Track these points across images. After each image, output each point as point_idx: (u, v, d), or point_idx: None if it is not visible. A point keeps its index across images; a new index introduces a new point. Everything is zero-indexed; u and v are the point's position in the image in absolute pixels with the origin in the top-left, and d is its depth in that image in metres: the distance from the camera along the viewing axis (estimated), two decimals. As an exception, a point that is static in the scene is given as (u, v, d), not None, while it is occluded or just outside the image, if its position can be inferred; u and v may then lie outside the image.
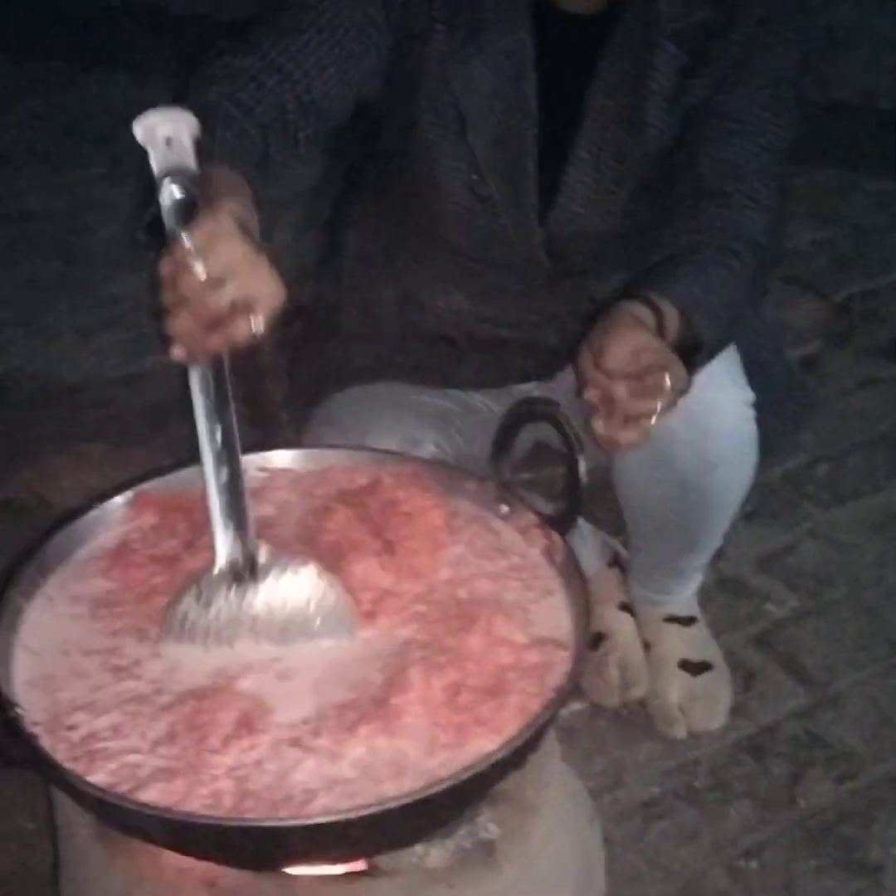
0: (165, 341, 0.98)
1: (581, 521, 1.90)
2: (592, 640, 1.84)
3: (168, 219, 0.99)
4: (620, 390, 1.10)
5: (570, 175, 1.40)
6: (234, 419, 1.04)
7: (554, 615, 1.12)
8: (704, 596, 1.90)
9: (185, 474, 1.23)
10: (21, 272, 2.97)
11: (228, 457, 1.04)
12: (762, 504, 2.18)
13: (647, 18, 1.34)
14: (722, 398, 1.44)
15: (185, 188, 0.99)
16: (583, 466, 1.15)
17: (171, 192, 0.99)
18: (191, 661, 1.06)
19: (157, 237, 1.01)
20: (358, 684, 1.04)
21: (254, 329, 0.96)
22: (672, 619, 1.82)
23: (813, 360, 2.60)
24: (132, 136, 3.22)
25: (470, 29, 1.34)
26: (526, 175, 1.40)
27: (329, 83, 1.27)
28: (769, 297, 2.69)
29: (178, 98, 1.23)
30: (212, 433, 1.03)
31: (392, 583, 1.13)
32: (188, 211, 0.98)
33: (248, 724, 0.99)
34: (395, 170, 1.48)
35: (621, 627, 1.84)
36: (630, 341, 1.13)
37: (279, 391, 1.80)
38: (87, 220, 3.20)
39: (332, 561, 1.12)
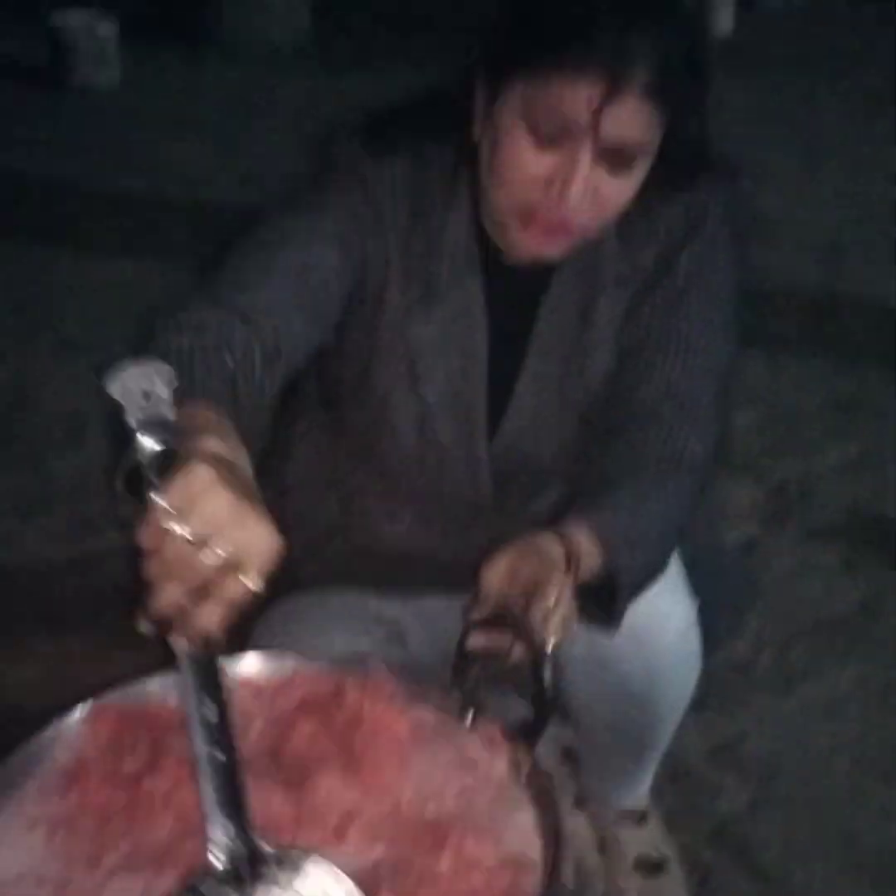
0: (146, 620, 0.89)
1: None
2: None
3: (146, 474, 0.90)
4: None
5: (514, 410, 1.43)
6: (228, 695, 0.94)
7: (523, 833, 1.10)
8: (657, 790, 1.88)
9: (145, 685, 1.20)
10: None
11: (222, 739, 0.94)
12: (709, 694, 2.18)
13: (591, 262, 1.38)
14: (665, 611, 1.45)
15: (163, 440, 0.91)
16: (547, 675, 1.15)
17: (149, 446, 0.91)
18: (147, 885, 1.03)
19: (136, 491, 0.92)
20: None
21: (250, 587, 0.88)
22: (625, 817, 1.80)
23: (752, 544, 2.64)
24: (78, 314, 3.26)
25: (424, 285, 1.37)
26: (476, 420, 1.43)
27: (294, 333, 1.25)
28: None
29: (145, 345, 1.23)
30: (202, 714, 0.93)
31: (358, 800, 1.10)
32: (168, 462, 0.90)
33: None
34: (346, 405, 1.49)
35: (575, 826, 1.81)
36: (503, 565, 1.19)
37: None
38: (30, 396, 3.21)
39: (297, 777, 1.10)
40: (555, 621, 1.19)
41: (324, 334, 1.33)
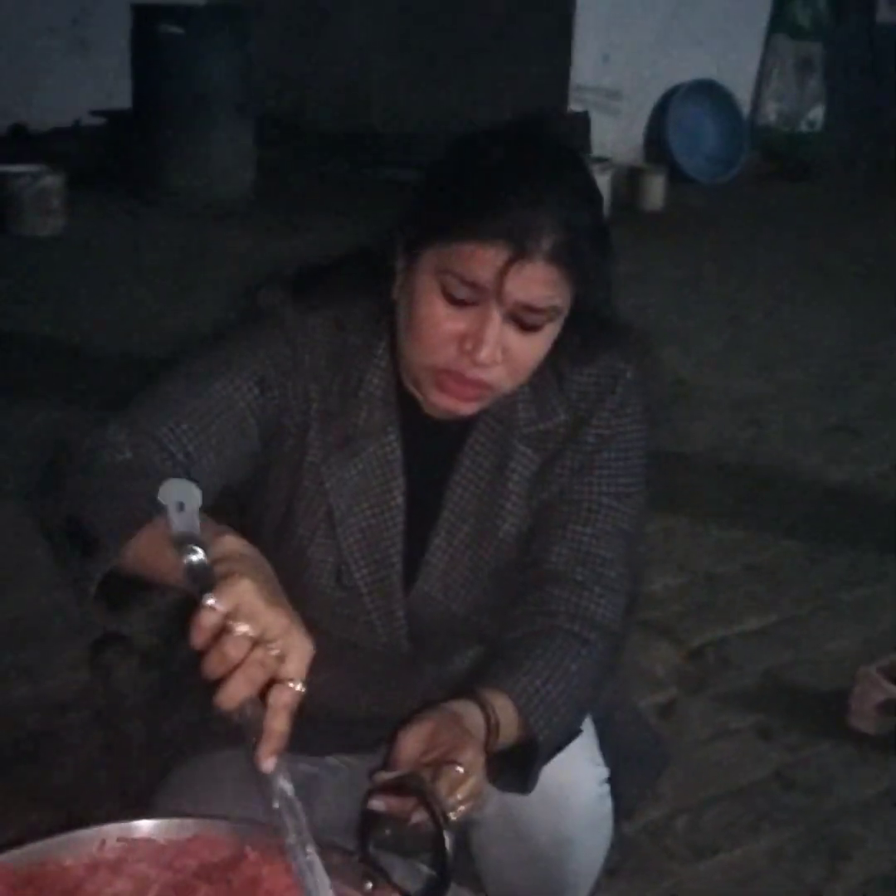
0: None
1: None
2: None
3: (189, 582, 1.01)
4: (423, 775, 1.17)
5: (428, 563, 1.46)
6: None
7: None
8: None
9: (47, 844, 1.18)
10: None
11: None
12: (623, 860, 2.17)
13: (505, 424, 1.43)
14: (576, 776, 1.45)
15: (201, 552, 1.02)
16: (449, 841, 1.15)
17: (192, 555, 1.01)
18: None
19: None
20: None
21: (299, 690, 1.02)
22: None
23: (668, 708, 2.65)
24: (8, 461, 3.24)
25: (343, 433, 1.41)
26: (390, 567, 1.45)
27: (204, 470, 1.29)
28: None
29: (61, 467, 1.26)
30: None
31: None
32: (205, 575, 1.01)
33: None
34: (268, 548, 1.51)
35: None
36: (417, 736, 1.21)
37: (138, 736, 1.77)
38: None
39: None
40: (463, 792, 1.20)
41: (232, 473, 1.36)
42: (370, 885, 1.19)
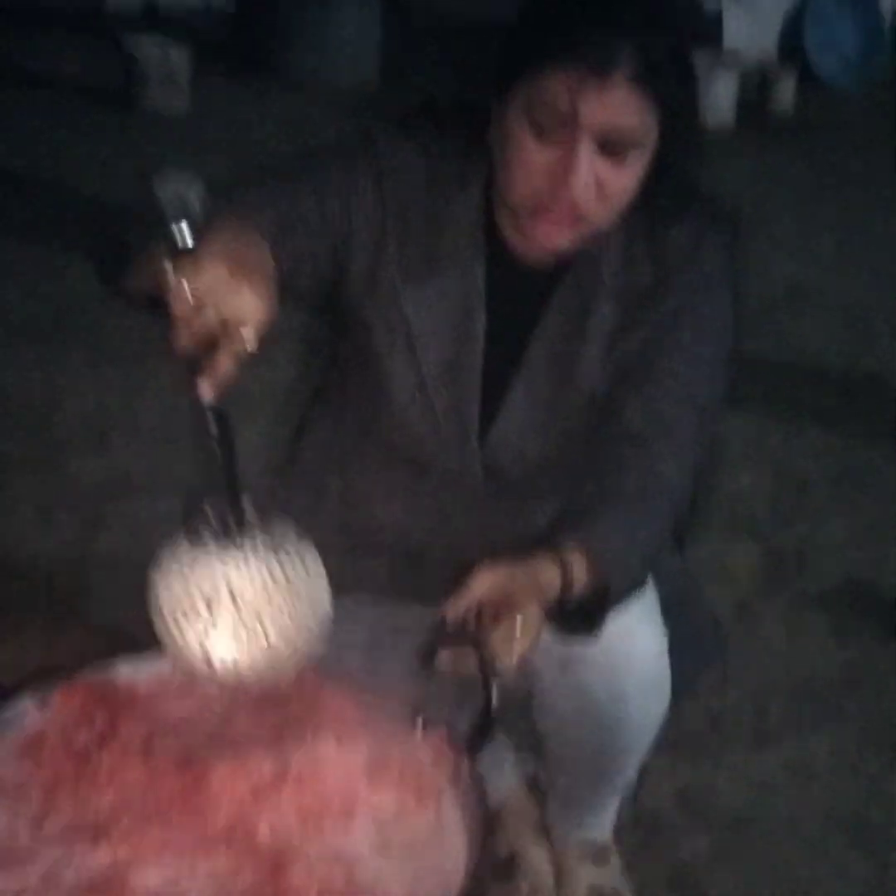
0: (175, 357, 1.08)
1: (502, 740, 1.94)
2: (505, 862, 1.86)
3: (171, 248, 1.08)
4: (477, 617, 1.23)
5: (507, 406, 1.50)
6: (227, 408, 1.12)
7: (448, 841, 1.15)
8: (620, 830, 1.92)
9: (116, 667, 1.28)
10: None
11: (224, 444, 1.12)
12: (682, 742, 2.22)
13: (590, 277, 1.46)
14: (637, 635, 1.50)
15: (192, 227, 1.08)
16: (495, 691, 1.20)
17: (181, 231, 1.08)
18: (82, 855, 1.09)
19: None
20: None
21: (245, 346, 1.06)
22: (586, 848, 1.83)
23: (744, 605, 2.67)
24: (114, 327, 3.36)
25: (424, 254, 1.45)
26: (469, 397, 1.49)
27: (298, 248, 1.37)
28: (707, 536, 2.83)
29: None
30: (208, 430, 1.12)
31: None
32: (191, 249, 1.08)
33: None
34: (349, 374, 1.57)
35: (534, 852, 1.86)
36: (489, 578, 1.25)
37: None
38: (61, 402, 3.30)
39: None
40: (518, 644, 1.24)
41: (318, 266, 1.43)
42: (420, 725, 1.26)
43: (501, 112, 1.37)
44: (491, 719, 1.21)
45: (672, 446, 1.43)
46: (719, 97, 6.53)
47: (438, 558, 1.58)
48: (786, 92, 7.11)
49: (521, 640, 1.24)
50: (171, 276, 1.06)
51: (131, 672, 1.31)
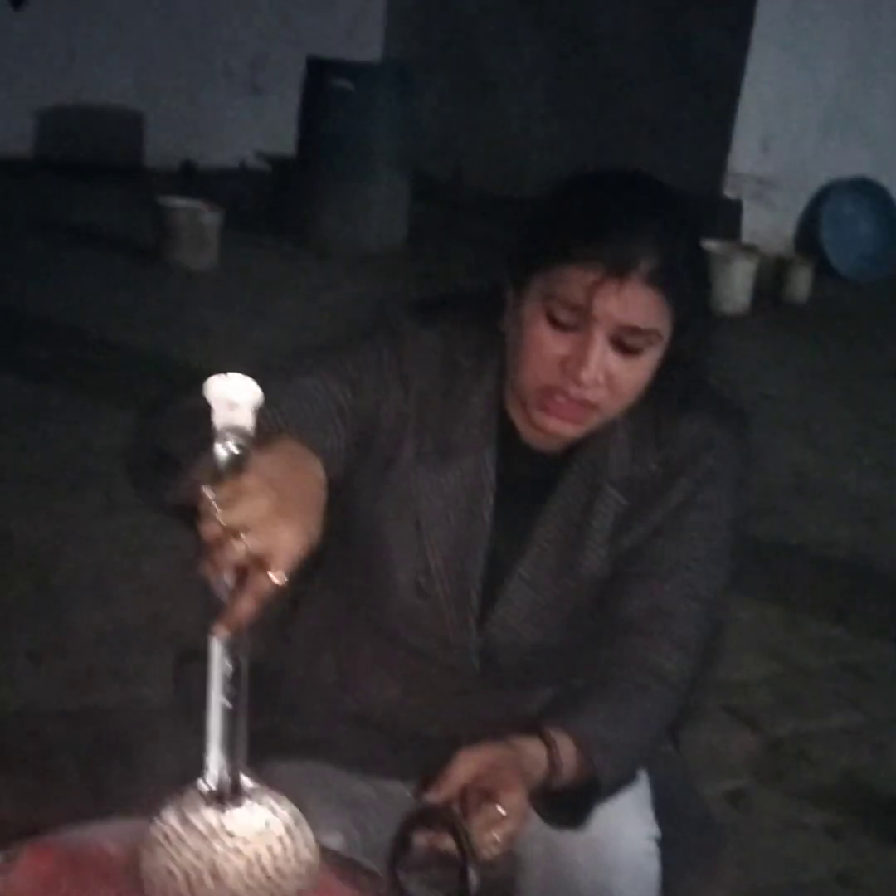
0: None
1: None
2: None
3: (222, 472, 1.05)
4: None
5: (510, 590, 1.50)
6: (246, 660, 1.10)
7: None
8: None
9: (85, 830, 1.26)
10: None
11: (234, 691, 1.10)
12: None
13: (597, 465, 1.48)
14: (625, 831, 1.47)
15: (240, 446, 1.06)
16: (473, 876, 1.18)
17: (228, 447, 1.05)
18: None
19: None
20: None
21: (274, 581, 1.04)
22: None
23: (740, 795, 2.63)
24: (124, 479, 3.34)
25: (439, 446, 1.47)
26: (471, 583, 1.50)
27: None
28: (704, 724, 2.79)
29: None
30: (224, 666, 1.09)
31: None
32: (240, 466, 1.06)
33: None
34: (350, 551, 1.57)
35: None
36: (474, 762, 1.23)
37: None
38: (65, 550, 3.31)
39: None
40: (498, 833, 1.23)
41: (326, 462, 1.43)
42: (396, 901, 1.24)
43: (518, 300, 1.41)
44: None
45: (673, 639, 1.43)
46: (736, 285, 6.68)
47: (430, 740, 1.57)
48: (802, 282, 7.25)
49: (504, 828, 1.23)
50: (208, 503, 1.04)
51: (105, 834, 1.29)
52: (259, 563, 1.04)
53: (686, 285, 1.38)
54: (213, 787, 1.12)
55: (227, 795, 1.11)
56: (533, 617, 1.52)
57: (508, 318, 1.44)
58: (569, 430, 1.43)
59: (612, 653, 1.43)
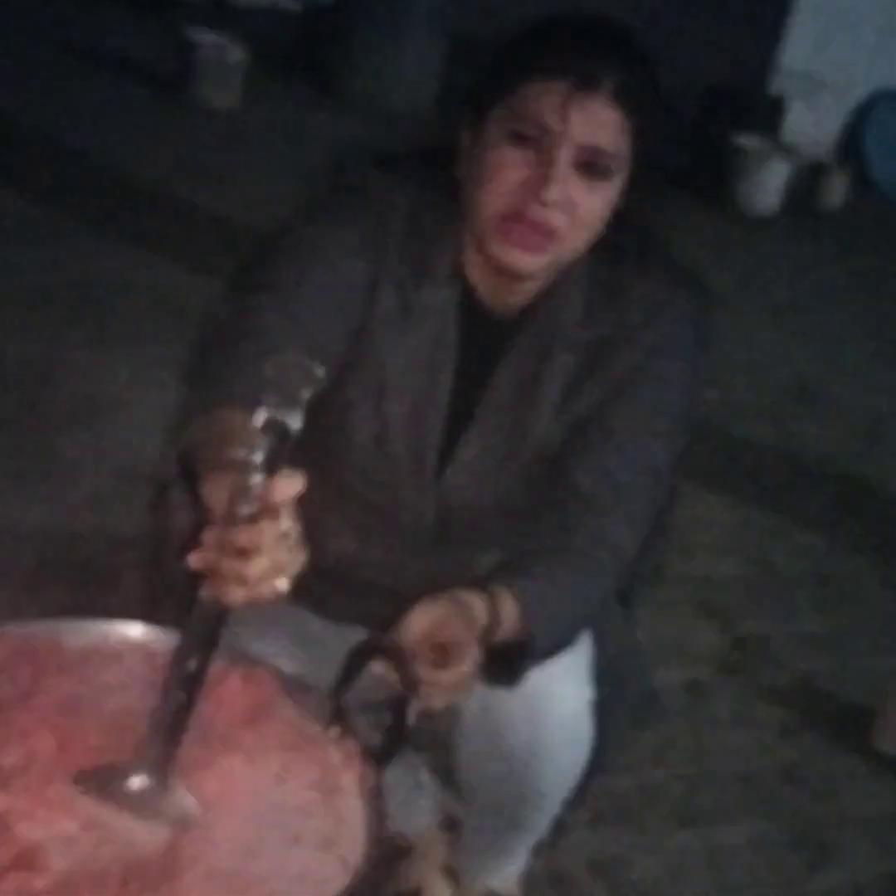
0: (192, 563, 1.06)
1: (424, 776, 1.95)
2: (409, 894, 1.87)
3: (266, 460, 1.05)
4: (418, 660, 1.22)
5: (462, 451, 1.51)
6: (211, 661, 1.11)
7: (351, 839, 1.17)
8: (533, 886, 1.92)
9: (46, 625, 1.30)
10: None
11: (191, 689, 1.11)
12: (609, 809, 2.22)
13: (550, 328, 1.48)
14: (560, 689, 1.50)
15: (282, 436, 1.05)
16: (412, 708, 1.21)
17: (277, 433, 1.05)
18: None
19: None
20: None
21: (280, 591, 1.06)
22: (489, 894, 1.83)
23: (697, 686, 2.68)
24: (122, 309, 3.39)
25: (405, 306, 1.47)
26: (428, 442, 1.51)
27: (331, 348, 1.38)
28: (671, 614, 2.83)
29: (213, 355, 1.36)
30: (187, 662, 1.10)
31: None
32: (278, 457, 1.05)
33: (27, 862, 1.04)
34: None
35: (439, 890, 1.85)
36: (427, 616, 1.25)
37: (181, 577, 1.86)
38: (58, 376, 3.30)
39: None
40: (452, 677, 1.24)
41: (348, 342, 1.44)
42: (335, 730, 1.27)
43: (476, 138, 1.40)
44: (402, 735, 1.22)
45: (622, 510, 1.44)
46: (768, 184, 6.53)
47: (385, 592, 1.59)
48: (837, 190, 7.08)
49: (455, 674, 1.25)
50: (231, 515, 1.04)
51: (63, 632, 1.32)
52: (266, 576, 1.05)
53: (647, 111, 1.38)
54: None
55: (156, 779, 1.12)
56: (485, 478, 1.53)
57: (466, 162, 1.42)
58: (528, 260, 1.40)
59: (563, 520, 1.44)
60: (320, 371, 1.06)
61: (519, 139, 1.35)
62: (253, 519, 1.03)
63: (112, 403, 3.22)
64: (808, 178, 6.94)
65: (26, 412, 3.10)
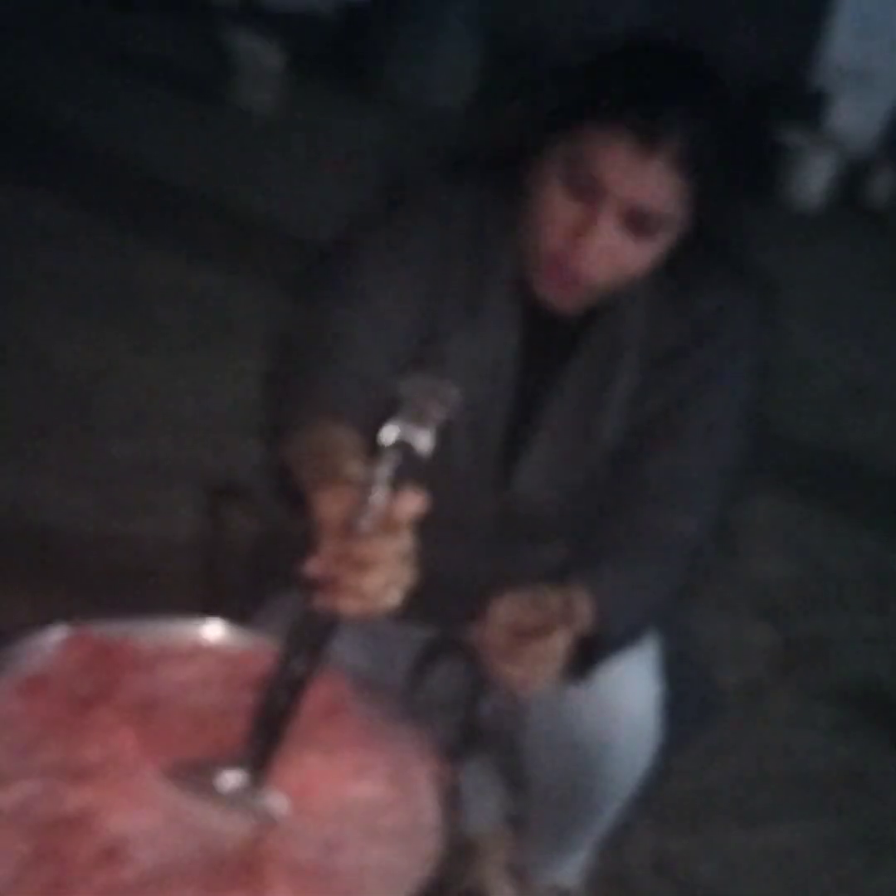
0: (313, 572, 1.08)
1: (491, 771, 1.95)
2: (470, 892, 1.88)
3: (382, 474, 1.07)
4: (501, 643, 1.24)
5: (527, 458, 1.52)
6: (319, 667, 1.13)
7: (426, 833, 1.18)
8: (596, 885, 1.93)
9: (124, 624, 1.32)
10: (24, 412, 3.09)
11: (295, 691, 1.13)
12: (671, 810, 2.22)
13: (616, 333, 1.48)
14: (630, 684, 1.51)
15: (409, 457, 1.08)
16: (483, 706, 1.23)
17: (403, 452, 1.08)
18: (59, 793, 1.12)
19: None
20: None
21: (392, 604, 1.09)
22: (551, 892, 1.84)
23: (754, 686, 2.67)
24: (166, 314, 3.41)
25: (469, 309, 1.47)
26: (491, 446, 1.52)
27: (403, 337, 1.41)
28: (726, 615, 2.83)
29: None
30: (294, 663, 1.12)
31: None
32: (402, 475, 1.08)
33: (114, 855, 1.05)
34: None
35: (500, 887, 1.86)
36: (510, 609, 1.27)
37: (237, 577, 1.88)
38: (103, 381, 3.34)
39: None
40: (541, 668, 1.27)
41: (421, 339, 1.46)
42: (409, 727, 1.29)
43: (540, 160, 1.39)
44: (475, 733, 1.24)
45: (691, 507, 1.46)
46: (812, 181, 6.47)
47: (449, 590, 1.61)
48: (883, 186, 6.99)
49: (544, 666, 1.27)
50: (355, 528, 1.06)
51: (137, 631, 1.34)
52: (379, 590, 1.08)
53: (714, 171, 1.34)
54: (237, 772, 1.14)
55: (252, 778, 1.14)
56: (550, 481, 1.54)
57: (531, 177, 1.41)
58: (563, 301, 1.42)
59: (631, 517, 1.45)
60: (455, 393, 1.07)
61: (570, 184, 1.34)
62: (374, 533, 1.05)
63: (160, 409, 3.26)
64: (854, 173, 6.87)
65: (76, 417, 3.14)
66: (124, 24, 7.12)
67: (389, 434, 1.06)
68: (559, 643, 1.27)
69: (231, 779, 1.14)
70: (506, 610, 1.28)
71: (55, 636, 1.30)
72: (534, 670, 1.26)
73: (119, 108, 5.72)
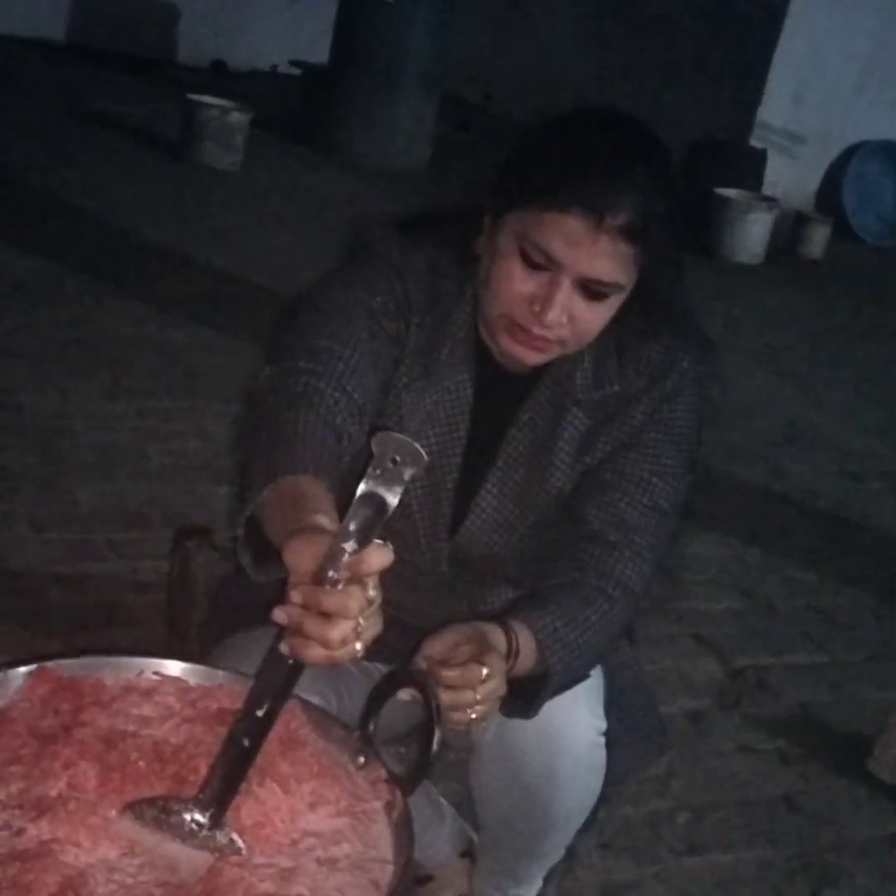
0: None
1: (444, 806, 2.01)
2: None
3: (360, 529, 1.09)
4: (440, 676, 1.29)
5: (480, 501, 1.60)
6: (279, 711, 1.16)
7: (380, 860, 1.22)
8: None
9: (87, 661, 1.36)
10: (-7, 457, 3.13)
11: (257, 734, 1.16)
12: (618, 837, 2.28)
13: (563, 386, 1.57)
14: (575, 721, 1.56)
15: (379, 509, 1.09)
16: (437, 735, 1.28)
17: (374, 507, 1.09)
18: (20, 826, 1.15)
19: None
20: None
21: (358, 655, 1.10)
22: (504, 922, 1.89)
23: (699, 716, 2.75)
24: (134, 364, 3.49)
25: (426, 364, 1.55)
26: (444, 494, 1.59)
27: (371, 390, 1.45)
28: (672, 649, 2.90)
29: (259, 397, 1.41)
30: (257, 707, 1.14)
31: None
32: (371, 528, 1.09)
33: (74, 888, 1.09)
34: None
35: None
36: (451, 636, 1.33)
37: (199, 615, 1.93)
38: (75, 427, 3.40)
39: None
40: (483, 691, 1.32)
41: (385, 391, 1.52)
42: (362, 759, 1.34)
43: (495, 229, 1.47)
44: (427, 762, 1.29)
45: (633, 548, 1.53)
46: (752, 236, 6.69)
47: (403, 628, 1.66)
48: (818, 239, 7.25)
49: (485, 687, 1.32)
50: (326, 578, 1.08)
51: (100, 668, 1.38)
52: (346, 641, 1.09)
53: (659, 238, 1.43)
54: (195, 814, 1.18)
55: (211, 817, 1.17)
56: (500, 527, 1.61)
57: (482, 245, 1.50)
58: (531, 358, 1.51)
59: (576, 559, 1.53)
60: (423, 453, 1.10)
61: (526, 258, 1.43)
62: (342, 584, 1.08)
63: (127, 454, 3.31)
64: (791, 228, 7.11)
65: (45, 462, 3.19)
66: (95, 83, 7.23)
67: (361, 488, 1.09)
68: (492, 671, 1.32)
69: (190, 816, 1.18)
70: (436, 642, 1.35)
71: (19, 672, 1.34)
72: (463, 697, 1.31)
73: (89, 166, 5.84)
